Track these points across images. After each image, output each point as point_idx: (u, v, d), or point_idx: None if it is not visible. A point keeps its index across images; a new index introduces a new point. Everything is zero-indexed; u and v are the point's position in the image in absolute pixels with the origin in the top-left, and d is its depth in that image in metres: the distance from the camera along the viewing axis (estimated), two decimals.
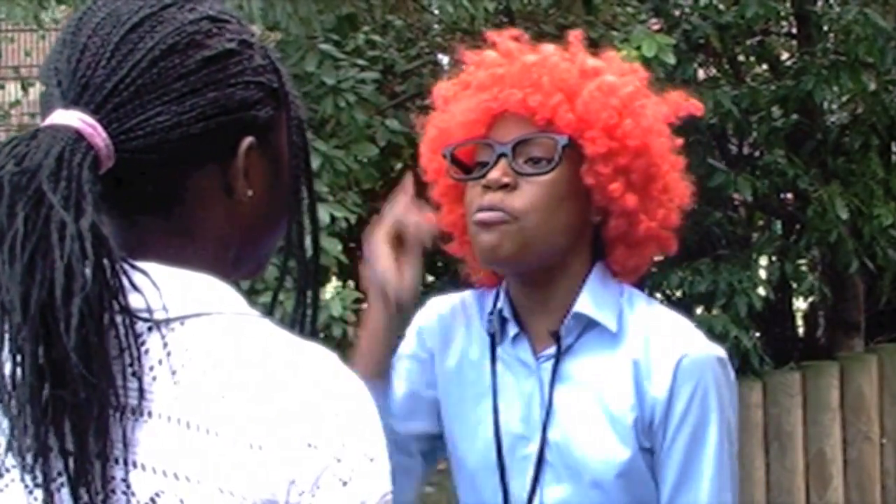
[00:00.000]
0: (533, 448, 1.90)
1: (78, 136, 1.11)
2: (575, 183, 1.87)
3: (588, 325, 1.90)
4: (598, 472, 1.86)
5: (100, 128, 1.12)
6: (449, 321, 2.03)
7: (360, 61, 4.95)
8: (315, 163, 4.51)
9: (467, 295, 2.04)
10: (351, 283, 5.70)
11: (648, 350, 1.87)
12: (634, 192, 1.89)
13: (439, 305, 2.06)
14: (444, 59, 5.61)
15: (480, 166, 1.89)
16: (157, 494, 1.08)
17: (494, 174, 1.85)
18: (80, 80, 1.14)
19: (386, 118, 4.97)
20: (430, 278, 6.07)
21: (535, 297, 1.92)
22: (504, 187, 1.85)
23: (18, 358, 1.05)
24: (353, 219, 4.78)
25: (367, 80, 4.85)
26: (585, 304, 1.89)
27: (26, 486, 1.08)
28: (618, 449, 1.86)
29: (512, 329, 1.94)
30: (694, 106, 2.01)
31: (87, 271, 1.06)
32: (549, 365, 1.91)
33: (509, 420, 1.93)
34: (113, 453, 1.08)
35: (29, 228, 1.06)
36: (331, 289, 5.03)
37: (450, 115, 1.95)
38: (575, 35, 2.00)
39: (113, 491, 1.08)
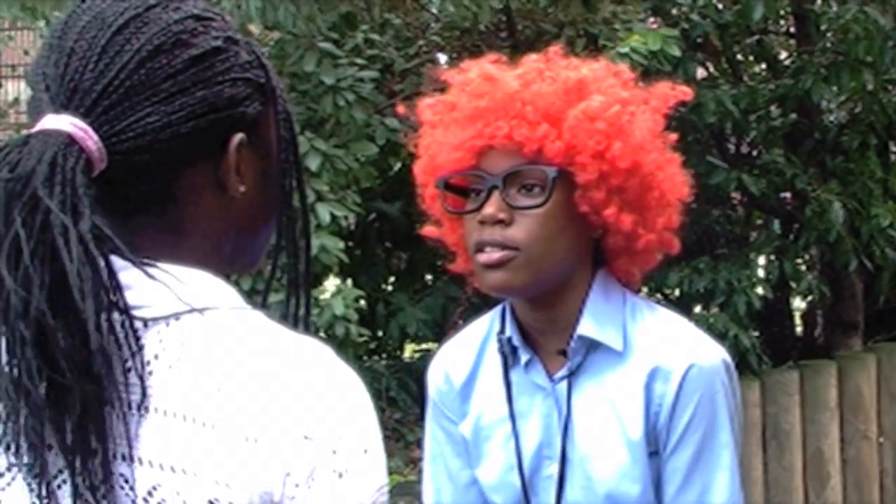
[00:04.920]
0: (554, 468, 1.92)
1: (69, 140, 1.12)
2: (570, 209, 1.87)
3: (593, 344, 1.91)
4: (619, 492, 1.88)
5: (91, 131, 1.13)
6: (459, 369, 2.02)
7: (359, 60, 4.95)
8: (315, 162, 4.51)
9: (474, 327, 2.04)
10: (349, 282, 5.70)
11: (657, 360, 1.88)
12: (630, 210, 1.89)
13: (445, 360, 2.05)
14: (443, 58, 5.61)
15: (474, 193, 1.89)
16: (154, 487, 1.10)
17: (489, 210, 1.85)
18: (68, 84, 1.15)
19: (385, 117, 4.97)
20: (430, 277, 6.07)
21: (543, 317, 1.93)
22: (500, 223, 1.85)
23: (17, 360, 1.07)
24: (352, 217, 4.78)
25: (366, 79, 4.85)
26: (588, 325, 1.90)
27: (28, 484, 1.08)
28: (635, 470, 1.87)
29: (524, 355, 1.94)
30: (682, 92, 2.00)
31: (88, 272, 1.08)
32: (563, 385, 1.92)
33: (530, 442, 1.94)
34: (114, 449, 1.10)
35: (27, 234, 1.08)
36: (332, 287, 5.02)
37: (438, 144, 1.94)
38: (554, 51, 1.98)
39: (113, 486, 1.09)
